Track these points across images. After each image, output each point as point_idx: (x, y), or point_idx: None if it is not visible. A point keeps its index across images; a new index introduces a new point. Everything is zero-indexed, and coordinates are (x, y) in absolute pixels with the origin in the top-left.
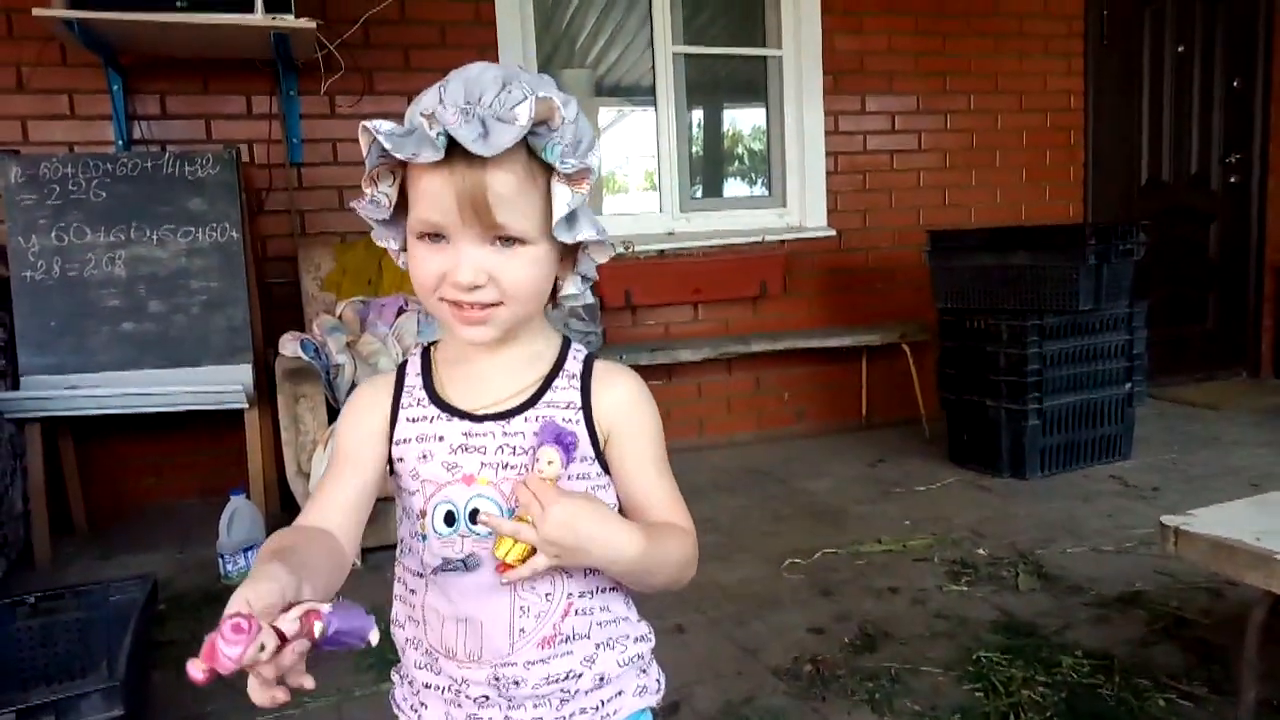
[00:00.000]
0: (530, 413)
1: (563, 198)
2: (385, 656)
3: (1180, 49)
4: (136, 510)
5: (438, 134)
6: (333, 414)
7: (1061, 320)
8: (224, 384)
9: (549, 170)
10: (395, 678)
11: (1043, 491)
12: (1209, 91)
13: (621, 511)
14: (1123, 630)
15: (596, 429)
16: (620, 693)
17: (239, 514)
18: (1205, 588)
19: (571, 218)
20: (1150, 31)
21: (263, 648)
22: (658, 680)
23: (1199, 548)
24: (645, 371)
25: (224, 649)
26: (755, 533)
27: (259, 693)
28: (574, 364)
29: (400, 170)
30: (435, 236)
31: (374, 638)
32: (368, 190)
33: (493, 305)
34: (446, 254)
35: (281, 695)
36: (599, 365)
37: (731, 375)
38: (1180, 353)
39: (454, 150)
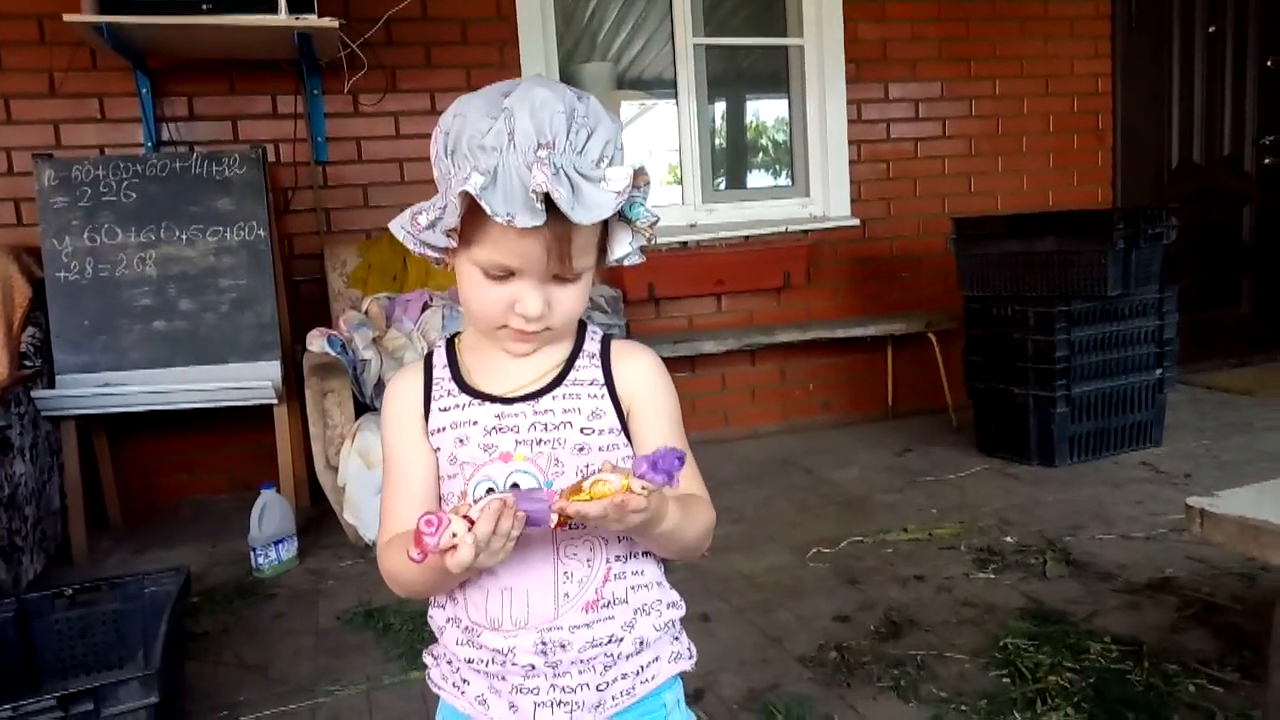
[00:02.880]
0: (558, 390)
1: (624, 239)
2: (413, 646)
3: (1211, 29)
4: (169, 505)
5: (538, 199)
6: (360, 408)
7: (1090, 306)
8: (253, 380)
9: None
10: (429, 659)
11: (1072, 479)
12: (1241, 72)
13: None
14: (1152, 616)
15: (620, 402)
16: (657, 658)
17: (269, 508)
18: (1238, 573)
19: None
20: (1180, 12)
21: (455, 535)
22: (689, 648)
23: (1225, 529)
24: (669, 364)
25: (426, 538)
26: (780, 522)
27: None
28: (592, 344)
29: (464, 201)
30: (504, 275)
31: (552, 521)
32: (424, 220)
33: (546, 329)
34: (511, 287)
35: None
36: (616, 343)
37: (755, 366)
38: (1214, 338)
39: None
